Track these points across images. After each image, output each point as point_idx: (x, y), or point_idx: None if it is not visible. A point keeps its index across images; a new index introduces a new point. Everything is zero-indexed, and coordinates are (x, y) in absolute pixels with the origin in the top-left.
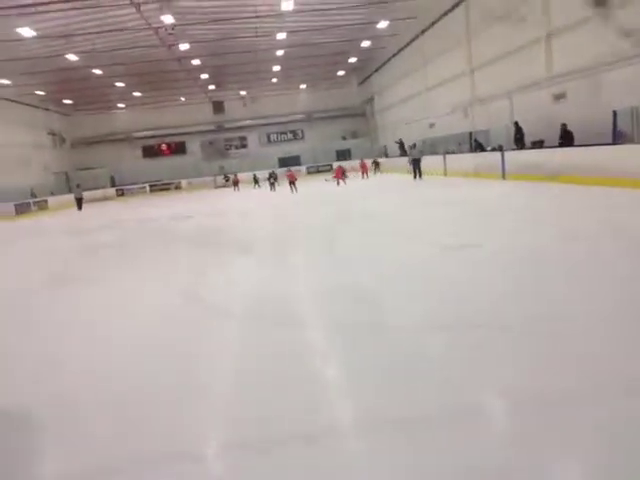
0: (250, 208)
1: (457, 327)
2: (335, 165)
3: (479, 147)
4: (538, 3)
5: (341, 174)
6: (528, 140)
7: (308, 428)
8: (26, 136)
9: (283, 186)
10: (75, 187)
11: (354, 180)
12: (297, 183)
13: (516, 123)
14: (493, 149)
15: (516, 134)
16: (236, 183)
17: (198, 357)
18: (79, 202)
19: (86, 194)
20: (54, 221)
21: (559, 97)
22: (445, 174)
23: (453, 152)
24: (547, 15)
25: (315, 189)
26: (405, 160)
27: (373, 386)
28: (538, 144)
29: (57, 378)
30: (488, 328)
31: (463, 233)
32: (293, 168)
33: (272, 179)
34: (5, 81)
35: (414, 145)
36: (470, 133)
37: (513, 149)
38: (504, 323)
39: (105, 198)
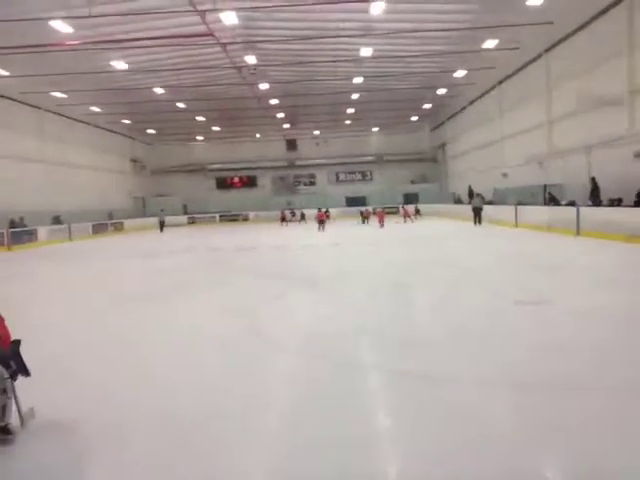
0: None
1: (529, 385)
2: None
3: (553, 201)
4: (624, 62)
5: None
6: (605, 197)
7: None
8: (111, 162)
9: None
10: (160, 212)
11: (398, 225)
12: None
13: (593, 179)
14: (568, 204)
15: (593, 190)
16: (283, 219)
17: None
18: (162, 225)
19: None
20: (134, 242)
21: None
22: (516, 225)
23: (525, 204)
24: (631, 71)
25: (353, 231)
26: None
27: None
28: (616, 202)
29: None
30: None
31: (532, 287)
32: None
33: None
34: (96, 109)
35: (477, 194)
36: (544, 186)
37: (589, 205)
38: (578, 384)
39: (177, 224)
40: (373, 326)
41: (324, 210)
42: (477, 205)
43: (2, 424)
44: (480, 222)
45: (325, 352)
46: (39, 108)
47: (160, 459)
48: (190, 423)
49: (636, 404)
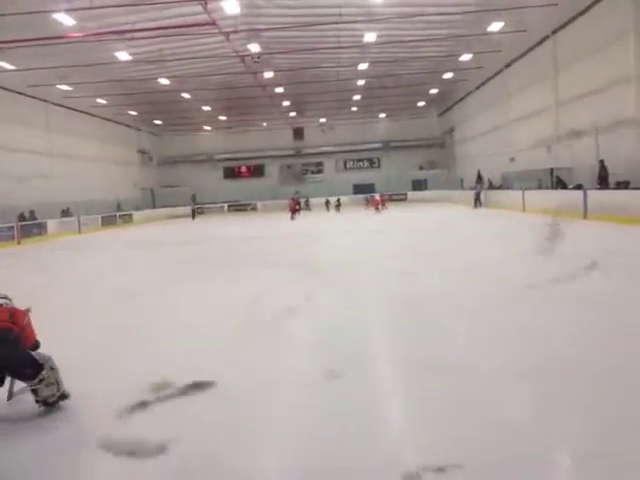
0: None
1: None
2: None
3: (560, 184)
4: (631, 41)
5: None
6: (613, 180)
7: None
8: (118, 153)
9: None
10: (191, 201)
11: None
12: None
13: (601, 161)
14: (575, 187)
15: (600, 173)
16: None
17: None
18: (194, 213)
19: (169, 211)
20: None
21: None
22: (524, 210)
23: (533, 188)
24: (638, 51)
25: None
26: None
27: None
28: (623, 185)
29: None
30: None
31: (535, 271)
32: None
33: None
34: (102, 101)
35: (477, 179)
36: (551, 169)
37: (597, 188)
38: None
39: (186, 215)
40: None
41: (303, 200)
42: (477, 190)
43: (59, 393)
44: (481, 205)
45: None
46: (45, 101)
47: None
48: None
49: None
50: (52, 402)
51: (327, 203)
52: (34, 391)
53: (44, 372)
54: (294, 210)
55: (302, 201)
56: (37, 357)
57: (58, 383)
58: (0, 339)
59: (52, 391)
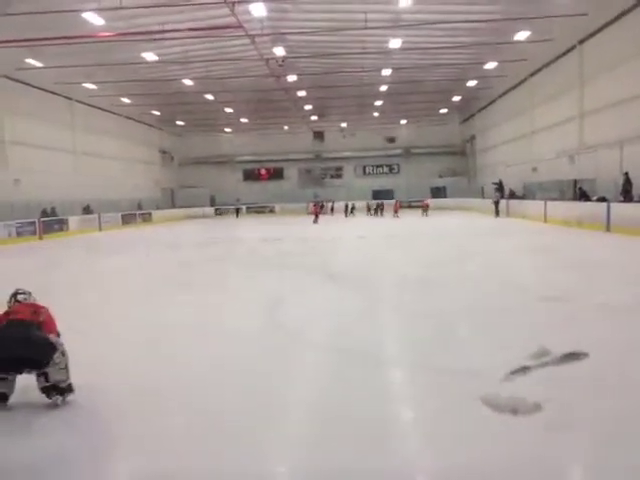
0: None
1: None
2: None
3: (583, 196)
4: None
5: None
6: (637, 193)
7: None
8: (140, 152)
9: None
10: (236, 201)
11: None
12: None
13: (626, 174)
14: (598, 199)
15: (625, 186)
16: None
17: None
18: (237, 211)
19: (187, 211)
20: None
21: None
22: (545, 220)
23: (555, 199)
24: None
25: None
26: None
27: None
28: None
29: None
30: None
31: (556, 284)
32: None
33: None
34: (126, 100)
35: (495, 188)
36: (575, 181)
37: (620, 201)
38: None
39: (203, 216)
40: None
41: (320, 203)
42: (495, 199)
43: (69, 382)
44: (498, 214)
45: None
46: (70, 99)
47: None
48: None
49: None
50: (62, 389)
51: (347, 207)
52: (44, 375)
53: (56, 354)
54: (317, 214)
55: (328, 205)
56: (52, 339)
57: (68, 370)
58: (21, 326)
59: (62, 376)
